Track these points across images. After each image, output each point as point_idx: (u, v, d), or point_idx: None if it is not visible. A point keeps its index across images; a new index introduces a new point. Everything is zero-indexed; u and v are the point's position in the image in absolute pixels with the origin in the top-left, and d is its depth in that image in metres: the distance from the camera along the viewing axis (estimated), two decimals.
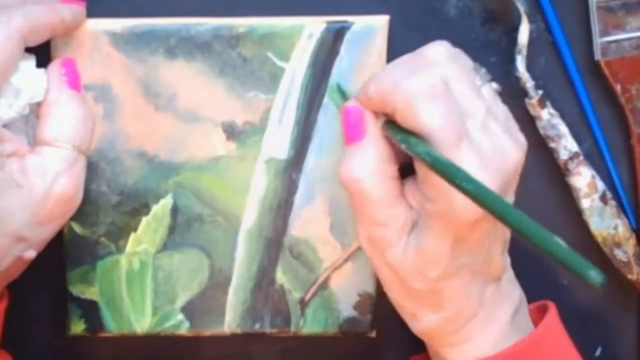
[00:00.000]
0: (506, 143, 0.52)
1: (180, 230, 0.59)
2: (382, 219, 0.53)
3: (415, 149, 0.50)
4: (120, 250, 0.59)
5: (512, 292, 0.56)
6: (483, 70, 0.56)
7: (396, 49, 0.58)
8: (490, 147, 0.51)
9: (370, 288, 0.60)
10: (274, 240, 0.59)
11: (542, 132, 0.59)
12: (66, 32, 0.56)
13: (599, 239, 0.60)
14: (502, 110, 0.54)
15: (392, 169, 0.54)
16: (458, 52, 0.54)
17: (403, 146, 0.51)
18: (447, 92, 0.51)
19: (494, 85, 0.55)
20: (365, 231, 0.55)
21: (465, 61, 0.54)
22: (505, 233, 0.55)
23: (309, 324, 0.60)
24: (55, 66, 0.56)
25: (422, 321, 0.56)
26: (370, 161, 0.53)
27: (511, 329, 0.55)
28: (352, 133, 0.54)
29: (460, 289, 0.54)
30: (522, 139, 0.53)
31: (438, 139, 0.50)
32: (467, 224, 0.51)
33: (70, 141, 0.54)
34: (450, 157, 0.49)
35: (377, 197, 0.53)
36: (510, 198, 0.53)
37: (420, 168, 0.52)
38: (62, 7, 0.55)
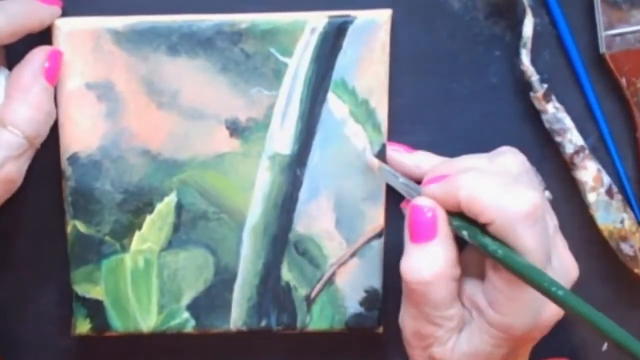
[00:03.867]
0: (569, 261, 0.55)
1: (185, 228, 0.59)
2: (437, 319, 0.53)
3: (497, 254, 0.51)
4: (125, 248, 0.59)
5: None
6: (539, 177, 0.58)
7: (399, 43, 0.58)
8: (558, 264, 0.53)
9: (376, 284, 0.60)
10: (279, 237, 0.59)
11: (547, 126, 0.59)
12: (39, 30, 0.56)
13: (605, 233, 0.60)
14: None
15: (457, 272, 0.53)
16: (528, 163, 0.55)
17: (481, 248, 0.52)
18: (543, 216, 0.52)
19: (547, 194, 0.57)
20: (415, 326, 0.54)
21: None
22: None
23: (315, 321, 0.60)
24: (40, 52, 0.55)
25: None
26: (440, 263, 0.52)
27: None
28: (423, 231, 0.53)
29: None
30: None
31: (533, 259, 0.50)
32: (534, 340, 0.53)
33: (26, 132, 0.53)
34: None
35: (438, 300, 0.53)
36: None
37: (496, 279, 0.52)
38: (42, 9, 0.55)
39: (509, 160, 0.54)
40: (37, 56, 0.55)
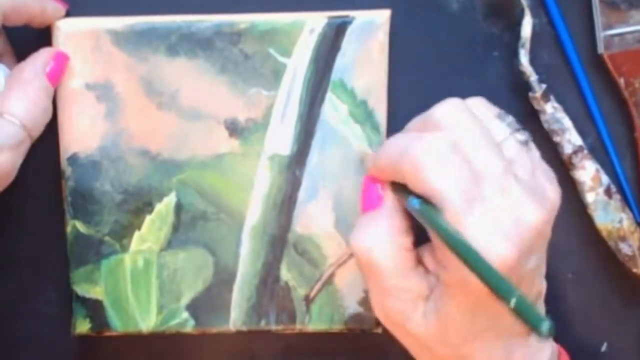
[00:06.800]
0: (526, 205, 0.49)
1: (185, 228, 0.59)
2: (393, 290, 0.52)
3: (428, 219, 0.49)
4: (124, 249, 0.59)
5: (542, 348, 0.54)
6: (509, 119, 0.54)
7: (398, 43, 0.58)
8: (508, 209, 0.49)
9: None
10: (279, 237, 0.59)
11: (546, 126, 0.59)
12: (41, 25, 0.56)
13: (604, 233, 0.60)
14: (529, 162, 0.52)
15: (407, 241, 0.53)
16: (473, 106, 0.53)
17: (415, 214, 0.50)
18: (456, 154, 0.49)
19: (519, 136, 0.53)
20: (379, 302, 0.53)
21: (484, 114, 0.53)
22: (533, 289, 0.53)
23: (315, 321, 0.60)
24: (46, 53, 0.56)
25: None
26: (383, 232, 0.52)
27: None
28: (367, 202, 0.54)
29: (486, 352, 0.52)
30: (551, 192, 0.51)
31: (448, 203, 0.48)
32: (485, 294, 0.47)
33: (23, 120, 0.53)
34: (462, 222, 0.48)
35: (388, 269, 0.52)
36: (537, 258, 0.51)
37: (434, 237, 0.50)
38: None
39: (438, 113, 0.52)
40: (42, 55, 0.55)
